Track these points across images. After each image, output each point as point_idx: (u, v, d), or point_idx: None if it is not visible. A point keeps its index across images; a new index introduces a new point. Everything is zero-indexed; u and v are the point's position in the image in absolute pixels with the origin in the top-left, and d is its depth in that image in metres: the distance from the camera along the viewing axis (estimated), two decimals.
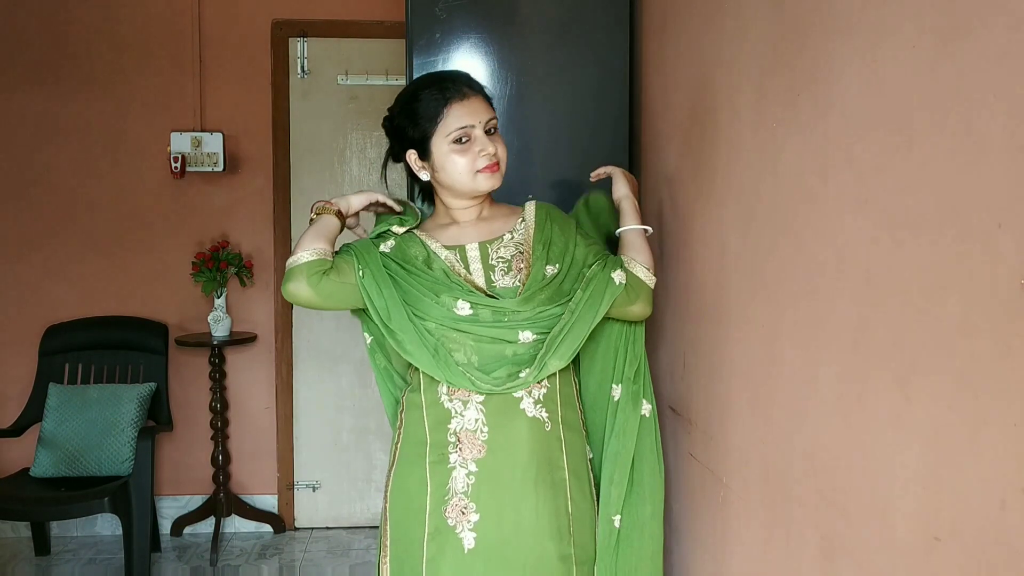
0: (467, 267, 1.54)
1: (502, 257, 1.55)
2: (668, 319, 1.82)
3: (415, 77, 2.02)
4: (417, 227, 1.61)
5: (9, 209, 3.56)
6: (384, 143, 1.65)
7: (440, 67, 2.01)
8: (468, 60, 2.01)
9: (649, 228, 1.65)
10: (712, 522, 1.53)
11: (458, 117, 1.50)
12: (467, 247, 1.56)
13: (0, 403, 3.55)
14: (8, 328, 3.57)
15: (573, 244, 1.58)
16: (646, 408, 1.61)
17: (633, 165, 2.10)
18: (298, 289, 1.48)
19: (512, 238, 1.58)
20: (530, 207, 1.63)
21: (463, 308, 1.48)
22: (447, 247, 1.56)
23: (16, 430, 3.32)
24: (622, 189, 1.69)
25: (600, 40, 2.06)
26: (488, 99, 1.56)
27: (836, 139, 1.03)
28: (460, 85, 1.52)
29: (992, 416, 0.74)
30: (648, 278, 1.58)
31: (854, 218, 0.98)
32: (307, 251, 1.49)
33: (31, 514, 3.17)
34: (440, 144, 1.51)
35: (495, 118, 1.55)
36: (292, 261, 1.49)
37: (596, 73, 2.06)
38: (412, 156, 1.56)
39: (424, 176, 1.57)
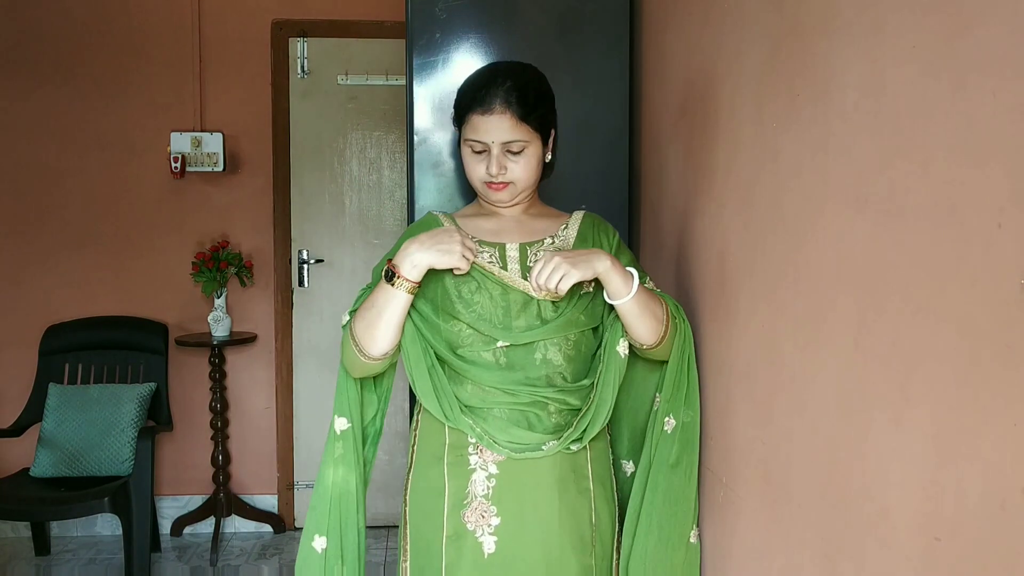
0: (505, 266, 1.47)
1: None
2: None
3: (415, 77, 2.02)
4: (460, 212, 1.59)
5: (9, 209, 3.56)
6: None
7: (440, 67, 2.01)
8: (468, 60, 2.01)
9: (633, 286, 1.42)
10: (712, 522, 1.53)
11: (474, 129, 1.46)
12: (507, 246, 1.50)
13: (0, 403, 3.55)
14: (8, 328, 3.57)
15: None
16: (669, 423, 1.51)
17: (633, 165, 2.11)
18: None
19: (553, 243, 1.51)
20: (577, 215, 1.58)
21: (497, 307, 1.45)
22: (487, 243, 1.50)
23: (16, 430, 3.32)
24: (596, 266, 1.40)
25: (600, 39, 2.06)
26: (525, 117, 1.45)
27: (836, 139, 1.03)
28: (492, 97, 1.44)
29: (992, 416, 0.74)
30: (648, 344, 1.47)
31: (854, 218, 0.98)
32: (379, 359, 1.45)
33: (31, 514, 3.17)
34: (463, 143, 1.50)
35: (520, 140, 1.45)
36: (357, 355, 1.45)
37: (596, 72, 2.06)
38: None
39: None
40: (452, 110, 1.53)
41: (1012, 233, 0.71)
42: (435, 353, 1.45)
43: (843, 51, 1.01)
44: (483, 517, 1.44)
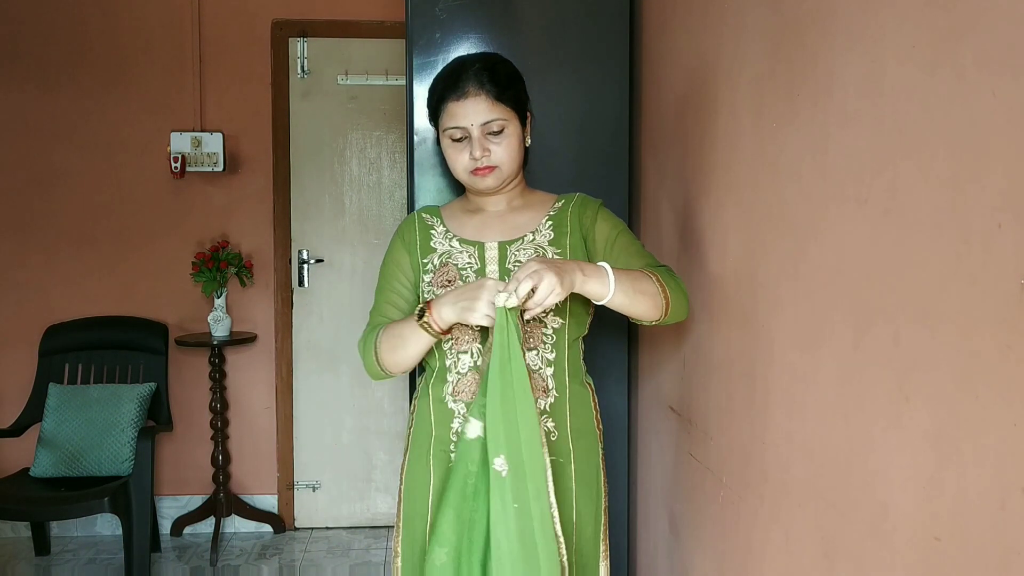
0: (483, 267, 1.48)
1: (519, 261, 1.48)
2: None
3: (415, 77, 2.02)
4: (447, 206, 1.62)
5: (9, 209, 3.56)
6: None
7: (440, 67, 2.01)
8: None
9: (609, 282, 1.37)
10: (712, 522, 1.53)
11: (452, 116, 1.47)
12: (486, 245, 1.51)
13: (0, 403, 3.55)
14: (8, 328, 3.57)
15: (582, 254, 1.51)
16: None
17: (633, 165, 2.11)
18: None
19: (533, 239, 1.51)
20: (559, 204, 1.57)
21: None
22: (467, 242, 1.52)
23: (16, 430, 3.32)
24: (573, 281, 1.34)
25: (600, 39, 2.06)
26: (500, 96, 1.46)
27: (836, 138, 1.03)
28: (464, 82, 1.45)
29: (992, 416, 0.74)
30: (656, 319, 1.45)
31: (854, 218, 0.98)
32: (398, 375, 1.53)
33: (31, 514, 3.17)
34: (443, 137, 1.51)
35: (499, 119, 1.45)
36: (379, 370, 1.52)
37: (596, 72, 2.06)
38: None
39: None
40: (427, 109, 1.55)
41: (1012, 233, 0.71)
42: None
43: (843, 51, 1.01)
44: None
